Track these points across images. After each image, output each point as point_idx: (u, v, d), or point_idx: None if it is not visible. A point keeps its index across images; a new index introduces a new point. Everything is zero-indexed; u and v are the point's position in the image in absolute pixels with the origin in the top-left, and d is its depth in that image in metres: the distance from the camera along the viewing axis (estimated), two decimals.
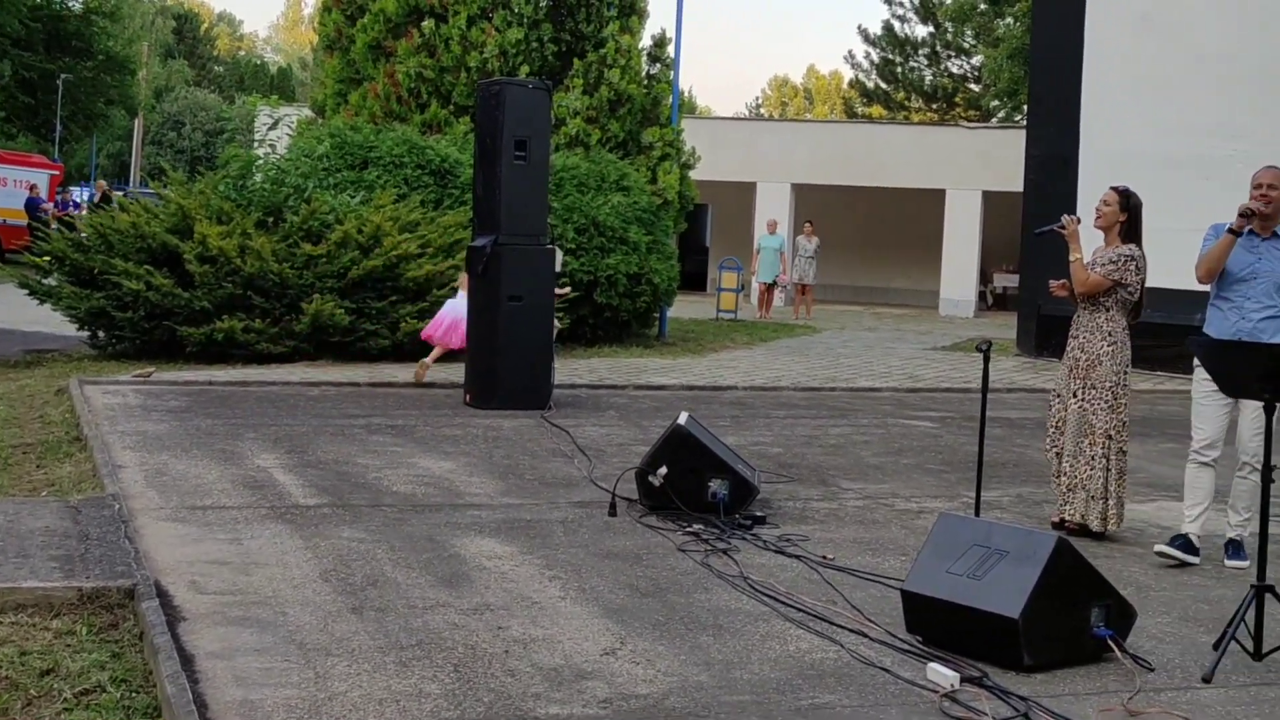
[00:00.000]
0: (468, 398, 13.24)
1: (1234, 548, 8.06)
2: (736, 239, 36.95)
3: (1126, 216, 8.53)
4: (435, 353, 14.89)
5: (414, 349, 16.59)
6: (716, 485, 8.46)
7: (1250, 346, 7.05)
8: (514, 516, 8.47)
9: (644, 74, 22.49)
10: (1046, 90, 22.57)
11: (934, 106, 57.01)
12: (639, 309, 20.35)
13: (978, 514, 8.41)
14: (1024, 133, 23.81)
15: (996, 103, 51.14)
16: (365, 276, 16.49)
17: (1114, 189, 8.63)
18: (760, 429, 12.83)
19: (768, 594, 6.84)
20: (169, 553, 7.20)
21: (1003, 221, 32.76)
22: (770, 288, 30.23)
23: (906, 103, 57.95)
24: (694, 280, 35.82)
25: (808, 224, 31.31)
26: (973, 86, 55.71)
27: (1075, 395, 8.51)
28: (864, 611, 6.56)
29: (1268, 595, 6.15)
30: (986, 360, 8.35)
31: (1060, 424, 8.61)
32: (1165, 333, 18.48)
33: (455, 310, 14.64)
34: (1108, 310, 8.47)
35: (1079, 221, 8.55)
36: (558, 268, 13.59)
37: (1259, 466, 7.72)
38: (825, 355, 20.85)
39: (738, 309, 28.35)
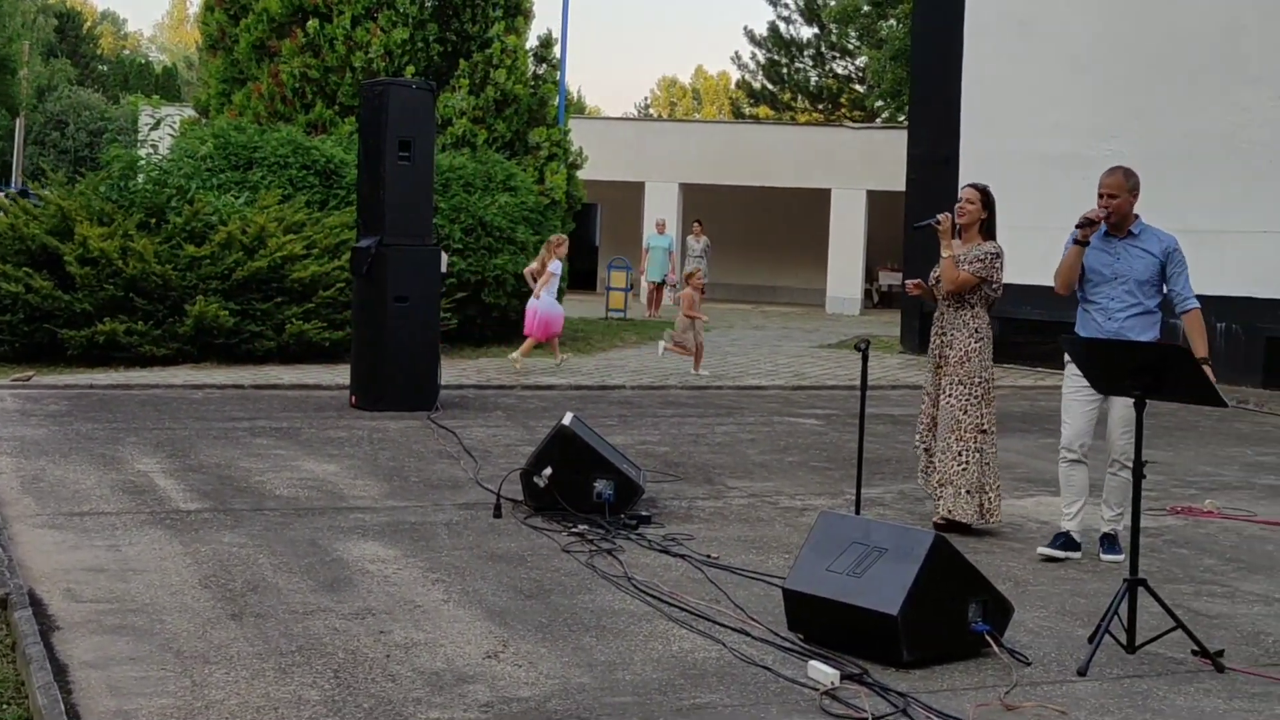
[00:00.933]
0: (353, 400, 13.11)
1: (1108, 542, 8.16)
2: (625, 238, 36.96)
3: (988, 214, 8.67)
4: (526, 345, 16.76)
5: (299, 350, 16.40)
6: (602, 485, 8.43)
7: (1121, 344, 7.15)
8: (398, 519, 8.39)
9: (530, 74, 22.40)
10: (927, 91, 22.81)
11: (819, 107, 57.38)
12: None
13: (858, 512, 8.45)
14: (906, 133, 24.05)
15: (881, 103, 51.60)
16: (250, 278, 16.27)
17: (973, 186, 8.75)
18: (647, 428, 12.82)
19: (651, 594, 6.82)
20: (45, 560, 7.03)
21: (887, 220, 33.05)
22: (659, 287, 30.27)
23: (792, 103, 58.27)
24: (583, 279, 35.78)
25: (696, 223, 31.34)
26: (857, 87, 56.17)
27: (945, 392, 8.59)
28: (747, 610, 6.56)
29: (1140, 589, 6.24)
30: (865, 359, 8.39)
31: (932, 421, 8.68)
32: (1044, 329, 18.77)
33: (533, 306, 16.76)
34: (973, 307, 8.58)
35: (952, 219, 8.66)
36: (443, 269, 13.51)
37: (1128, 464, 7.83)
38: (713, 353, 20.88)
39: (627, 308, 28.36)
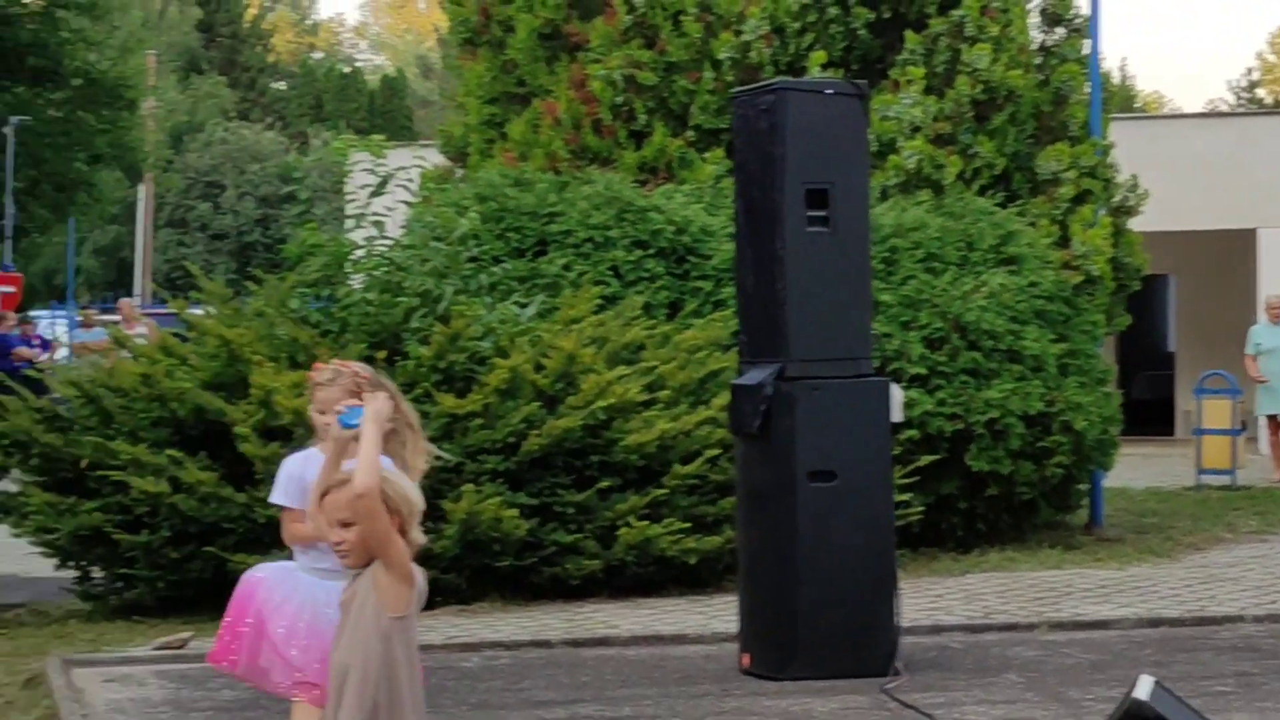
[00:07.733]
0: (746, 659, 13.04)
1: None
2: (1223, 332, 36.33)
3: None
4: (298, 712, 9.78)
5: (642, 573, 16.36)
6: None
7: None
8: None
9: (1035, 46, 22.44)
10: None
11: None
12: (1049, 478, 20.06)
13: None
14: None
15: None
16: (553, 448, 16.45)
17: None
18: None
19: None
20: None
21: None
22: None
23: None
24: (1149, 414, 35.39)
25: None
26: None
27: None
28: None
29: None
30: None
31: None
32: None
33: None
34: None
35: None
36: (896, 415, 13.44)
37: None
38: None
39: (1237, 464, 27.78)
